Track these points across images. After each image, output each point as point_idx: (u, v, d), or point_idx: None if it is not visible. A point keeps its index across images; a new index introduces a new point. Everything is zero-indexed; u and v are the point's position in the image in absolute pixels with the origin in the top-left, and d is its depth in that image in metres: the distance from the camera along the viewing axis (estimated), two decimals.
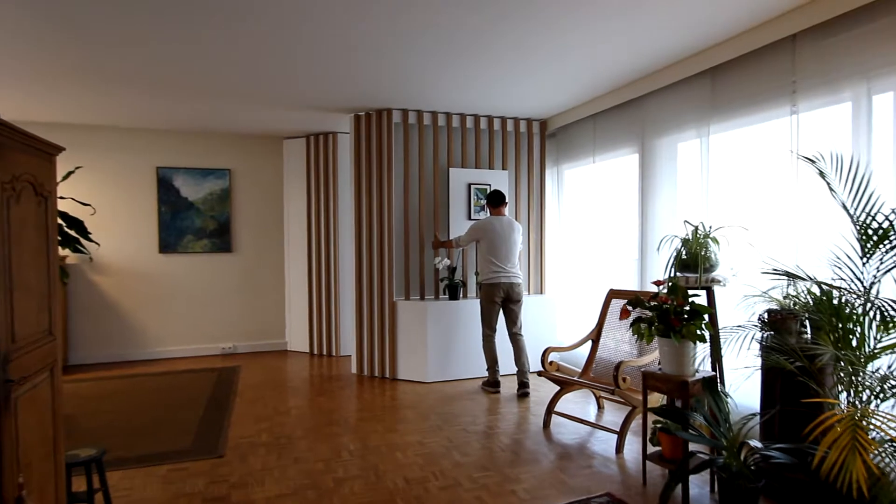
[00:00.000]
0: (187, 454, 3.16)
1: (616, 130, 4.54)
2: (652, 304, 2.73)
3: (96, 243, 3.59)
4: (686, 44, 3.37)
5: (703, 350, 2.76)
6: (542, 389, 4.51)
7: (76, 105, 4.73)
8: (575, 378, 3.72)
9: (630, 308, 2.77)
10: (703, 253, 2.89)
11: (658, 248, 3.24)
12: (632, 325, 2.74)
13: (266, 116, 5.15)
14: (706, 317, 2.60)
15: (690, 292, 2.75)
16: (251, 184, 6.14)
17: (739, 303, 2.83)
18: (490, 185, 5.06)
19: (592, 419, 3.85)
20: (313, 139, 5.97)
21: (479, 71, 3.85)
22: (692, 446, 2.69)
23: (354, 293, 5.01)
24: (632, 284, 4.42)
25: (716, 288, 2.97)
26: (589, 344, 3.99)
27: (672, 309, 2.61)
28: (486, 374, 4.51)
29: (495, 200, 4.53)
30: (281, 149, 6.23)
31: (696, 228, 2.92)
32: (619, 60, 3.66)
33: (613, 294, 4.03)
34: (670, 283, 2.71)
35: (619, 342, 3.85)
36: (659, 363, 3.46)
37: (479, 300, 4.54)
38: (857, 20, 2.70)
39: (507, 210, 4.57)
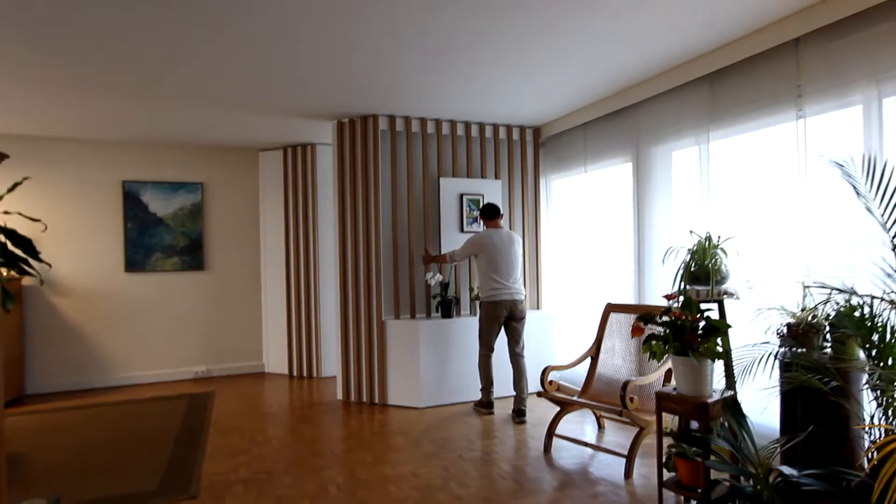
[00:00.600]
0: (154, 496, 2.83)
1: (609, 139, 4.41)
2: (664, 319, 2.56)
3: (47, 264, 3.25)
4: (686, 47, 3.26)
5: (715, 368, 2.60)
6: (537, 409, 4.29)
7: (34, 115, 4.39)
8: (576, 398, 3.52)
9: (642, 324, 2.58)
10: (713, 264, 2.74)
11: (663, 260, 3.07)
12: (644, 342, 2.55)
13: (241, 126, 4.86)
14: (723, 333, 2.43)
15: (702, 306, 2.59)
16: (225, 198, 5.83)
17: (753, 317, 2.68)
18: (483, 195, 4.84)
19: (594, 440, 3.65)
20: (291, 151, 5.71)
21: (474, 74, 3.66)
22: (714, 473, 2.50)
23: (339, 313, 4.68)
24: (628, 298, 4.26)
25: (727, 301, 2.81)
26: (588, 361, 3.81)
27: (688, 325, 2.44)
28: (481, 394, 4.25)
29: (490, 213, 4.29)
30: (256, 161, 5.95)
31: (707, 238, 2.77)
32: (618, 64, 3.53)
33: (611, 308, 3.86)
34: (683, 297, 2.54)
35: (619, 358, 3.67)
36: (664, 382, 3.31)
37: (476, 318, 4.28)
38: (866, 22, 2.61)
39: (503, 221, 4.34)
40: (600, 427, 3.88)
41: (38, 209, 5.12)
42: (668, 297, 2.65)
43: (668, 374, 3.30)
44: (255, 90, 3.86)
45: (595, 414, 3.94)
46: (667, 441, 2.71)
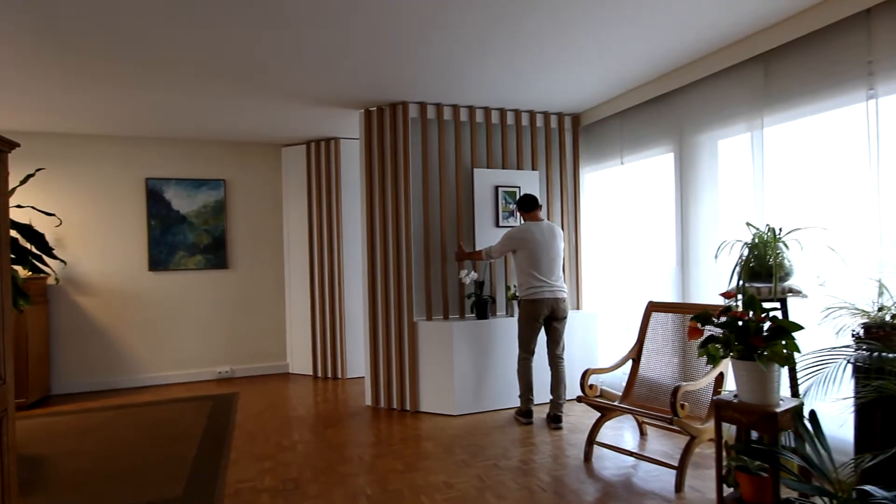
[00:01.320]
0: None
1: (648, 128, 4.16)
2: (723, 320, 2.33)
3: (62, 261, 3.16)
4: (738, 24, 3.01)
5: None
6: (573, 414, 4.08)
7: (57, 111, 4.32)
8: (619, 404, 3.29)
9: (699, 325, 2.35)
10: (776, 259, 2.50)
11: (716, 255, 2.83)
12: (702, 345, 2.33)
13: (264, 119, 4.72)
14: (793, 335, 2.19)
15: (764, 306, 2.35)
16: (248, 195, 5.73)
17: (821, 317, 2.43)
18: (519, 187, 4.54)
19: (636, 448, 3.42)
20: (314, 146, 5.58)
21: (512, 58, 3.41)
22: (785, 491, 2.27)
23: (367, 314, 4.43)
24: (669, 296, 4.02)
25: (791, 299, 2.57)
26: (629, 364, 3.58)
27: (752, 326, 2.21)
28: (519, 401, 3.98)
29: (528, 204, 3.98)
30: (279, 157, 5.83)
31: (771, 230, 2.52)
32: (662, 46, 3.29)
33: (653, 307, 3.63)
34: (745, 295, 2.31)
35: (663, 361, 3.44)
36: (715, 387, 3.06)
37: (515, 319, 4.04)
38: None
39: (542, 214, 4.05)
40: (642, 434, 3.65)
41: (61, 206, 5.08)
42: (727, 296, 2.42)
43: (719, 378, 3.06)
44: (282, 74, 3.61)
45: (637, 420, 3.71)
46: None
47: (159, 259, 5.39)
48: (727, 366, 3.09)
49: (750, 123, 3.29)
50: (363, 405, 4.46)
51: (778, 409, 2.17)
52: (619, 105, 4.27)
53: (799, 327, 2.16)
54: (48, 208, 5.04)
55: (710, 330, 2.41)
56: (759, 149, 3.23)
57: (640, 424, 3.69)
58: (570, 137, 4.85)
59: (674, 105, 3.90)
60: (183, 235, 5.47)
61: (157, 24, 2.83)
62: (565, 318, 3.92)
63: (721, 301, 3.06)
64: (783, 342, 2.19)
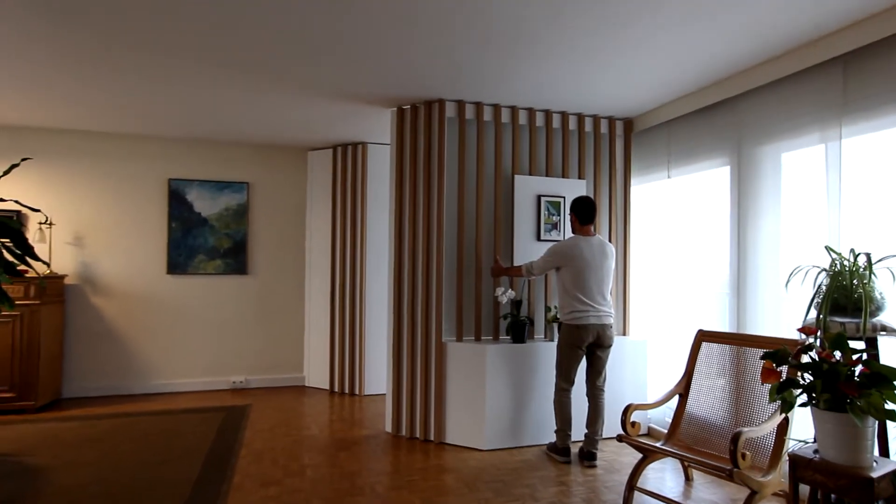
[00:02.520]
0: None
1: (700, 138, 3.80)
2: (805, 361, 1.97)
3: (45, 262, 2.99)
4: (815, 22, 2.65)
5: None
6: (607, 451, 3.70)
7: (79, 106, 4.21)
8: (665, 447, 2.92)
9: (775, 366, 1.99)
10: (865, 291, 2.12)
11: (786, 284, 2.46)
12: (780, 390, 1.97)
13: (290, 118, 4.49)
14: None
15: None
16: (271, 199, 5.55)
17: None
18: (564, 197, 4.06)
19: (681, 496, 3.04)
20: (340, 150, 5.37)
21: (559, 53, 3.07)
22: None
23: (391, 331, 4.03)
24: (720, 324, 3.63)
25: (883, 339, 2.18)
26: (675, 399, 3.20)
27: (843, 371, 1.84)
28: (555, 436, 3.58)
29: (587, 213, 3.51)
30: (305, 161, 5.64)
31: (859, 256, 2.15)
32: (723, 46, 2.95)
33: (704, 336, 3.25)
34: (826, 332, 1.94)
35: (714, 397, 3.06)
36: (777, 433, 2.67)
37: (555, 344, 3.61)
38: None
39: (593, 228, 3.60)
40: (688, 478, 3.26)
41: (81, 204, 4.98)
42: (807, 332, 2.05)
43: (784, 423, 2.67)
44: (308, 66, 3.31)
45: (682, 462, 3.32)
46: None
47: (178, 262, 5.23)
48: (795, 411, 2.70)
49: (824, 134, 2.91)
50: (381, 429, 4.15)
51: (874, 474, 1.79)
52: (674, 111, 3.87)
53: None
54: (66, 205, 4.95)
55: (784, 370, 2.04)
56: (835, 162, 2.85)
57: (685, 468, 3.29)
58: (621, 144, 4.37)
59: (732, 113, 3.54)
60: (203, 239, 5.31)
61: (184, 17, 2.63)
62: (611, 346, 3.52)
63: (795, 336, 2.69)
64: (880, 392, 1.81)
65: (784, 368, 2.05)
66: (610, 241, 4.23)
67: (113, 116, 4.49)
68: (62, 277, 4.82)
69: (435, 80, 3.52)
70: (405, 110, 4.06)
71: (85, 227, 5.00)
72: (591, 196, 4.19)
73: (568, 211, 3.80)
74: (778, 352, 2.00)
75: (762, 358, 2.07)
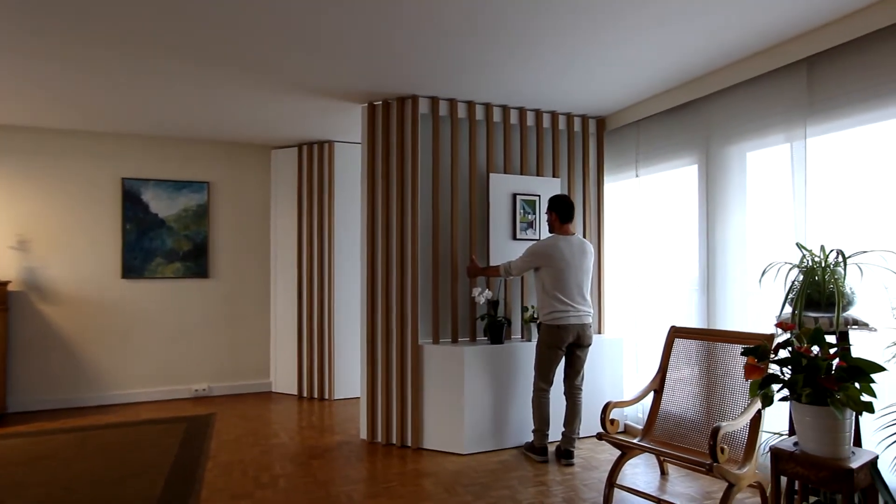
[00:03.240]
0: None
1: (669, 138, 3.86)
2: (782, 356, 2.00)
3: None
4: (783, 23, 2.72)
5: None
6: (584, 448, 3.72)
7: (23, 100, 3.92)
8: (644, 443, 2.94)
9: (757, 362, 2.02)
10: (837, 286, 2.18)
11: (760, 279, 2.52)
12: (762, 386, 1.99)
13: (254, 114, 4.30)
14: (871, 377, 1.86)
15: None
16: (233, 199, 5.34)
17: (888, 354, 2.12)
18: (539, 195, 4.04)
19: (657, 490, 3.07)
20: (306, 149, 5.22)
21: (534, 51, 3.03)
22: None
23: (365, 335, 3.87)
24: (690, 320, 3.70)
25: (854, 333, 2.25)
26: (650, 396, 3.24)
27: (823, 365, 1.88)
28: (532, 436, 3.57)
29: (567, 212, 3.49)
30: (268, 160, 5.46)
31: (834, 252, 2.21)
32: (694, 48, 3.00)
33: (677, 332, 3.30)
34: (812, 328, 1.98)
35: (687, 393, 3.10)
36: (750, 426, 2.72)
37: (533, 344, 3.57)
38: None
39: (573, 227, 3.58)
40: (663, 473, 3.30)
41: (26, 206, 4.66)
42: (785, 327, 2.09)
43: (757, 416, 2.73)
44: (273, 57, 3.13)
45: (657, 457, 3.36)
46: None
47: (134, 266, 4.96)
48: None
49: (790, 133, 3.00)
50: (354, 434, 4.04)
51: (853, 465, 1.84)
52: (644, 111, 3.92)
53: (879, 368, 1.84)
54: (11, 207, 4.62)
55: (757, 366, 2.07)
56: (800, 162, 2.94)
57: (660, 462, 3.34)
58: (594, 143, 4.38)
59: (700, 114, 3.61)
60: (161, 241, 5.06)
61: (132, 2, 2.47)
62: (590, 345, 3.53)
63: (763, 330, 2.76)
64: (856, 384, 1.86)
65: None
66: (584, 238, 4.23)
67: (58, 112, 4.21)
68: (5, 284, 4.49)
69: (409, 74, 3.42)
70: (376, 106, 3.94)
71: (30, 230, 4.68)
72: (567, 193, 4.21)
73: (545, 209, 3.72)
74: (759, 348, 2.03)
75: (744, 354, 2.10)
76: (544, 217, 3.90)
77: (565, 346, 3.43)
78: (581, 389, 3.54)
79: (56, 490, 2.99)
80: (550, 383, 3.48)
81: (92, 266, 4.86)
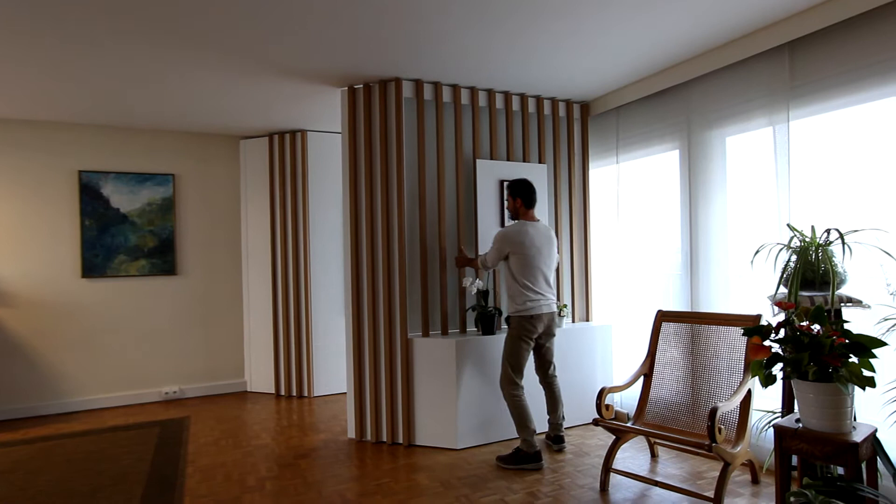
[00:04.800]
0: None
1: (649, 124, 3.88)
2: (788, 335, 2.02)
3: None
4: (765, 8, 2.74)
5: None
6: (573, 434, 3.73)
7: None
8: (639, 426, 2.96)
9: (763, 342, 2.03)
10: (831, 266, 2.22)
11: (752, 261, 2.55)
12: (766, 364, 2.01)
13: (221, 100, 4.06)
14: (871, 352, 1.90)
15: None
16: (200, 192, 5.10)
17: (881, 330, 2.17)
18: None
19: (649, 472, 3.10)
20: (277, 138, 5.02)
21: (519, 31, 2.93)
22: None
23: (351, 330, 3.72)
24: (673, 304, 3.75)
25: (847, 310, 2.30)
26: (640, 381, 3.26)
27: (827, 342, 1.90)
28: (518, 444, 3.26)
29: (531, 196, 3.37)
30: (237, 150, 5.23)
31: (826, 232, 2.25)
32: (676, 32, 3.00)
33: (664, 316, 3.33)
34: (813, 307, 2.00)
35: (676, 376, 3.14)
36: (741, 407, 2.77)
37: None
38: None
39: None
40: (653, 455, 3.34)
41: None
42: (784, 306, 2.11)
43: (747, 396, 2.78)
44: (244, 33, 2.87)
45: (648, 440, 3.39)
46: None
47: (95, 264, 4.67)
48: (755, 382, 2.82)
49: (772, 117, 3.04)
50: (339, 431, 3.94)
51: (857, 439, 1.87)
52: (627, 96, 3.92)
53: (880, 342, 1.87)
54: None
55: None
56: (783, 145, 2.99)
57: (651, 445, 3.37)
58: (578, 128, 4.32)
59: (680, 99, 3.63)
60: (124, 237, 4.78)
61: None
62: (555, 334, 3.48)
63: (747, 311, 2.80)
64: (870, 359, 1.89)
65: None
66: (570, 226, 4.24)
67: (6, 100, 3.90)
68: None
69: (392, 55, 3.26)
70: (357, 90, 3.77)
71: None
72: (552, 180, 4.17)
73: (506, 194, 3.52)
74: (762, 327, 2.04)
75: (746, 335, 2.11)
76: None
77: (536, 336, 3.33)
78: (556, 376, 3.51)
79: None
80: (522, 377, 3.31)
81: (49, 265, 4.55)
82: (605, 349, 4.11)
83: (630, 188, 4.11)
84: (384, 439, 3.68)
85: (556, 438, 3.46)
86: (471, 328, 3.85)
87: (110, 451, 3.57)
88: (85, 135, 4.68)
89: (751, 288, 3.24)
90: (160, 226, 4.90)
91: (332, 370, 4.92)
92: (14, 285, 4.44)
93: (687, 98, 3.59)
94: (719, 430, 2.48)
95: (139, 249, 4.83)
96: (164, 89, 3.79)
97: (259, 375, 5.13)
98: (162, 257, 4.90)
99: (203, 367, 5.07)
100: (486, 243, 3.82)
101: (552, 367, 3.50)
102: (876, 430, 1.98)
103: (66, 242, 4.61)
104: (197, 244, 5.07)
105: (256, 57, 3.24)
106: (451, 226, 3.81)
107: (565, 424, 3.61)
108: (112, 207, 4.74)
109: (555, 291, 3.50)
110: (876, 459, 1.98)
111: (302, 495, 2.85)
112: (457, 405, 3.51)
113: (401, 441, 3.62)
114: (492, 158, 3.93)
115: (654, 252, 3.96)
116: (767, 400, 2.98)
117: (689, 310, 3.58)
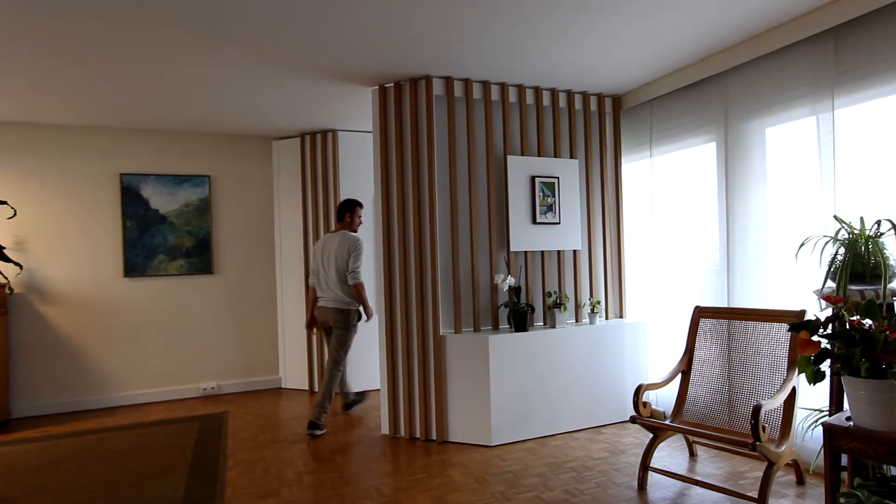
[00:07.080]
0: None
1: (684, 116, 3.80)
2: (837, 330, 1.95)
3: (17, 265, 2.64)
4: None
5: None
6: (609, 432, 3.68)
7: (16, 95, 3.76)
8: (679, 424, 2.90)
9: (812, 337, 1.97)
10: (884, 259, 2.13)
11: (796, 254, 2.47)
12: (815, 360, 1.94)
13: (255, 102, 4.14)
14: None
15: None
16: (235, 193, 5.21)
17: None
18: (558, 177, 3.93)
19: (688, 471, 3.04)
20: (309, 139, 5.09)
21: (549, 25, 2.92)
22: None
23: (383, 327, 3.76)
24: (708, 300, 3.67)
25: None
26: (678, 378, 3.20)
27: (881, 338, 1.83)
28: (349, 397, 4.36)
29: (339, 213, 4.16)
30: (270, 151, 5.33)
31: (877, 224, 2.16)
32: (715, 21, 2.92)
33: (702, 312, 3.26)
34: (865, 301, 1.93)
35: (714, 373, 3.07)
36: (785, 404, 2.69)
37: (555, 331, 3.72)
38: None
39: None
40: (692, 454, 3.27)
41: (22, 205, 4.50)
42: (832, 301, 2.04)
43: (792, 393, 2.69)
44: (277, 35, 2.93)
45: (686, 439, 3.33)
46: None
47: (136, 264, 4.83)
48: (800, 380, 2.74)
49: (816, 106, 2.94)
50: (373, 426, 3.98)
51: None
52: (661, 88, 3.83)
53: None
54: (4, 207, 4.46)
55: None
56: (827, 134, 2.88)
57: (689, 444, 3.31)
58: (610, 122, 4.26)
59: (717, 90, 3.54)
60: (163, 237, 4.92)
61: None
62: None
63: (785, 307, 2.71)
64: None
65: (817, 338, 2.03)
66: (602, 221, 4.21)
67: (52, 107, 4.06)
68: (2, 286, 4.35)
69: (422, 53, 3.26)
70: (388, 88, 3.79)
71: (27, 231, 4.53)
72: (584, 174, 4.16)
73: (349, 211, 4.06)
74: (810, 322, 1.98)
75: (792, 330, 2.05)
76: (565, 199, 3.97)
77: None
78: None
79: (75, 495, 2.89)
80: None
81: (93, 265, 4.72)
82: (640, 346, 4.04)
83: (664, 182, 4.03)
84: (417, 435, 3.70)
85: (349, 406, 4.38)
86: (503, 325, 3.84)
87: (154, 444, 3.69)
88: (126, 138, 4.83)
89: (792, 283, 3.14)
90: (197, 226, 5.03)
91: (364, 366, 4.97)
92: (61, 285, 4.62)
93: (724, 89, 3.50)
94: (763, 428, 2.42)
95: (177, 249, 4.97)
96: (201, 93, 3.88)
97: (293, 372, 5.22)
98: (199, 257, 5.03)
99: (239, 364, 5.19)
100: (518, 239, 3.82)
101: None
102: None
103: (109, 243, 4.77)
104: (232, 244, 5.18)
105: (291, 59, 3.29)
106: (483, 222, 3.80)
107: (605, 420, 3.61)
108: (151, 209, 4.89)
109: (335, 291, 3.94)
110: None
111: (340, 489, 2.89)
112: (490, 402, 3.50)
113: (434, 437, 3.64)
114: (523, 154, 3.91)
115: (690, 247, 3.88)
116: (810, 398, 2.89)
117: (727, 306, 3.50)
